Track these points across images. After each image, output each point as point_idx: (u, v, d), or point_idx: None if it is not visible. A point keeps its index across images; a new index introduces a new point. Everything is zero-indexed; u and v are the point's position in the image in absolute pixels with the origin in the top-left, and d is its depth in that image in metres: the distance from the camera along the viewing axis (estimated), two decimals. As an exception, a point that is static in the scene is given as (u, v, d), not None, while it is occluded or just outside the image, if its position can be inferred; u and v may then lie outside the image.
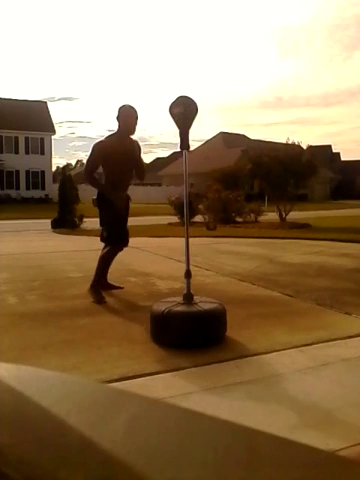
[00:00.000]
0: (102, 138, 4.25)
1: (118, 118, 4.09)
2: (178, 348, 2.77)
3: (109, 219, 4.09)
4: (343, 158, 60.02)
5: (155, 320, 2.96)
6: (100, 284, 4.19)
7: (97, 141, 4.17)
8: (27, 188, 37.24)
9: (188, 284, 3.05)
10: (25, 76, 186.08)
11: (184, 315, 2.89)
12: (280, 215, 14.10)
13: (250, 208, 14.32)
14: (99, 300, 3.99)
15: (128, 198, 4.30)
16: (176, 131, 3.25)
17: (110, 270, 4.31)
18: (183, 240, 3.41)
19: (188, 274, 3.12)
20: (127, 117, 4.08)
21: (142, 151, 4.34)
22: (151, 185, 40.13)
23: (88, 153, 4.27)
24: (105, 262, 4.19)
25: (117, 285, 4.45)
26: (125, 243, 4.25)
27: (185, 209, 3.27)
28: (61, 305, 3.94)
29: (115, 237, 4.13)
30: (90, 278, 4.20)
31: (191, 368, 2.51)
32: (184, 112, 3.20)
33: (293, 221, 13.26)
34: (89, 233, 11.41)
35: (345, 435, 1.82)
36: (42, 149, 38.23)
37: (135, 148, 4.19)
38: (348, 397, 2.17)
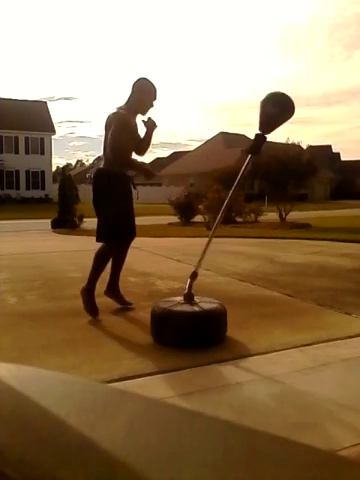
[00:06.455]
0: (118, 110, 3.50)
1: (132, 93, 3.49)
2: (178, 348, 2.77)
3: (115, 209, 3.47)
4: (343, 158, 60.12)
5: (155, 320, 2.96)
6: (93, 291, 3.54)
7: (119, 112, 3.47)
8: (27, 188, 37.25)
9: (190, 284, 3.04)
10: (25, 76, 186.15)
11: (184, 315, 2.89)
12: (280, 215, 14.11)
13: (250, 208, 14.33)
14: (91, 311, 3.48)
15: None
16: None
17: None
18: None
19: (194, 275, 3.10)
20: (143, 94, 3.47)
21: None
22: (151, 185, 40.07)
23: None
24: (102, 261, 3.57)
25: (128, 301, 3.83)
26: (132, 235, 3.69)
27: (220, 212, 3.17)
28: (61, 305, 3.94)
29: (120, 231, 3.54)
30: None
31: (191, 368, 2.51)
32: (278, 114, 2.93)
33: (293, 221, 13.26)
34: (89, 233, 11.41)
35: (345, 435, 1.82)
36: (42, 149, 38.24)
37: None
38: (348, 397, 2.17)
